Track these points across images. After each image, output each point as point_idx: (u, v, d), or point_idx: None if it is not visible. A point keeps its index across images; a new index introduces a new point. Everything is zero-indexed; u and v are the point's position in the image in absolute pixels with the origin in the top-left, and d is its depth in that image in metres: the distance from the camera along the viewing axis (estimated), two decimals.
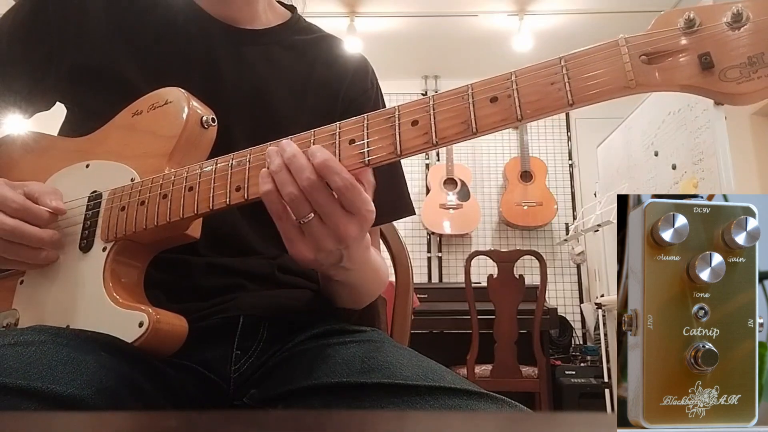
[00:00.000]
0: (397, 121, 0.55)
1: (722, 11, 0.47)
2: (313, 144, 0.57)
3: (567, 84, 0.49)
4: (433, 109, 0.54)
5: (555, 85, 0.50)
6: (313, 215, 0.55)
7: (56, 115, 0.84)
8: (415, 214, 0.88)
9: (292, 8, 0.91)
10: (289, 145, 0.56)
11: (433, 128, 0.53)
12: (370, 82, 0.89)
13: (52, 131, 0.81)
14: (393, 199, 0.85)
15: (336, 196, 0.55)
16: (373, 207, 0.57)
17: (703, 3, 0.48)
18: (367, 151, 0.55)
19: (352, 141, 0.56)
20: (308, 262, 0.59)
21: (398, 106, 0.56)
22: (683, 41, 0.47)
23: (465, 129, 0.53)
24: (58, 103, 0.83)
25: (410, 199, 0.88)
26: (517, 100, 0.51)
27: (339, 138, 0.57)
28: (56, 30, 0.77)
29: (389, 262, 0.95)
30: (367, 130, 0.56)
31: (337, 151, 0.56)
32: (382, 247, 0.97)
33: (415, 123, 0.54)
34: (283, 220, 0.57)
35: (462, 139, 0.53)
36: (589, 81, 0.49)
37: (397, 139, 0.55)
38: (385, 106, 0.90)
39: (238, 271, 0.74)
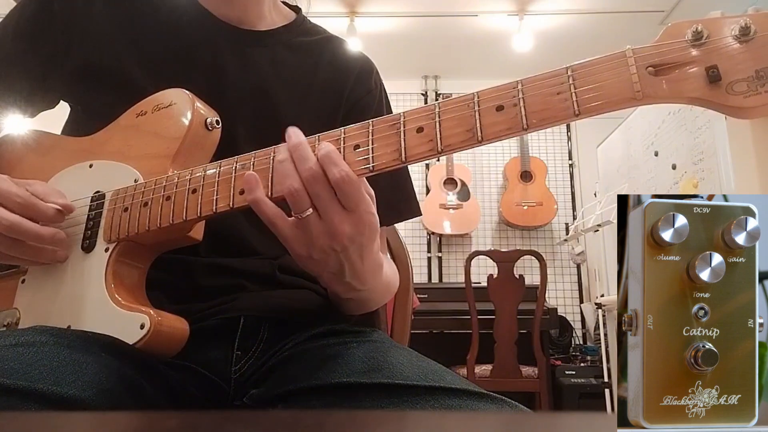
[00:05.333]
0: (402, 128, 0.55)
1: (730, 24, 0.46)
2: None
3: (573, 94, 0.49)
4: (439, 117, 0.54)
5: (561, 95, 0.50)
6: (311, 210, 0.55)
7: (59, 114, 0.84)
8: (421, 215, 0.88)
9: (297, 9, 0.91)
10: (295, 134, 0.57)
11: (438, 135, 0.53)
12: (374, 83, 0.89)
13: (55, 130, 0.81)
14: (399, 200, 0.85)
15: (334, 190, 0.55)
16: (373, 210, 0.57)
17: (711, 15, 0.47)
18: (372, 156, 0.55)
19: (356, 146, 0.56)
20: (304, 260, 0.59)
21: (404, 112, 0.56)
22: (691, 53, 0.47)
23: (470, 137, 0.52)
24: (61, 102, 0.83)
25: (416, 200, 0.87)
26: (523, 109, 0.51)
27: (344, 143, 0.57)
28: (61, 28, 0.77)
29: None
30: (372, 136, 0.56)
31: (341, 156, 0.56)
32: None
33: (420, 130, 0.54)
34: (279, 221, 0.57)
35: (467, 147, 0.53)
36: (596, 92, 0.49)
37: (402, 145, 0.54)
38: (389, 107, 0.91)
39: (239, 271, 0.74)
